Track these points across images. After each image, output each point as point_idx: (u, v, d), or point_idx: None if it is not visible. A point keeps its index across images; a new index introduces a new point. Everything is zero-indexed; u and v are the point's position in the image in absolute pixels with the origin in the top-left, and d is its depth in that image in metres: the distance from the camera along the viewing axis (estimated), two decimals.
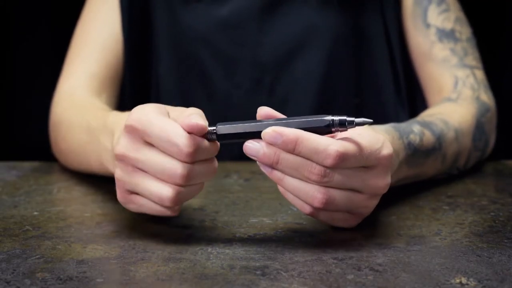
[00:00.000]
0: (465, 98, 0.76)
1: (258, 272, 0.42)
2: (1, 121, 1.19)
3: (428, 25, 0.82)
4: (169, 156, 0.47)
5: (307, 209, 0.47)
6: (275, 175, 0.47)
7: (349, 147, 0.45)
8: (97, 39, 0.83)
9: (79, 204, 0.61)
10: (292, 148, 0.45)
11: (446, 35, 0.81)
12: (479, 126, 0.73)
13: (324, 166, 0.45)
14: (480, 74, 0.80)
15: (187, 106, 0.51)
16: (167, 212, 0.48)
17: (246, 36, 0.84)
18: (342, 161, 0.45)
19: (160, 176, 0.47)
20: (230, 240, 0.49)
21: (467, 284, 0.40)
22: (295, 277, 0.41)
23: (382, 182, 0.48)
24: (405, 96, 0.86)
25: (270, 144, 0.46)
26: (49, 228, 0.52)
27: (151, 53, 0.87)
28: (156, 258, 0.45)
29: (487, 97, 0.77)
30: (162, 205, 0.48)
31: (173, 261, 0.44)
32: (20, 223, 0.54)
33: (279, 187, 0.48)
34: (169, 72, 0.87)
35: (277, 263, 0.44)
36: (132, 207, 0.50)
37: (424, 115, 0.70)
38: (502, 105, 0.84)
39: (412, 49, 0.84)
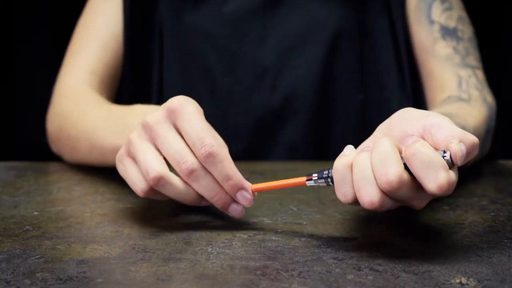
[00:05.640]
0: (476, 100, 0.74)
1: (258, 272, 0.42)
2: (1, 121, 1.19)
3: (432, 21, 0.81)
4: (188, 148, 0.49)
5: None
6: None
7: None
8: (98, 37, 0.84)
9: (79, 204, 0.61)
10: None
11: (449, 33, 0.80)
12: (487, 131, 0.72)
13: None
14: (481, 74, 0.79)
15: None
16: (137, 189, 0.50)
17: (249, 31, 0.85)
18: None
19: (167, 155, 0.49)
20: (230, 240, 0.49)
21: (467, 284, 0.40)
22: (295, 277, 0.41)
23: None
24: (410, 92, 0.85)
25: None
26: (49, 228, 0.52)
27: (151, 50, 0.88)
28: (156, 258, 0.45)
29: (490, 98, 0.77)
30: (143, 177, 0.49)
31: (173, 261, 0.44)
32: (20, 223, 0.54)
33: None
34: (172, 67, 0.87)
35: (277, 263, 0.44)
36: (120, 167, 0.52)
37: (444, 115, 0.67)
38: (502, 106, 0.84)
39: (414, 44, 0.84)
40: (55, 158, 0.81)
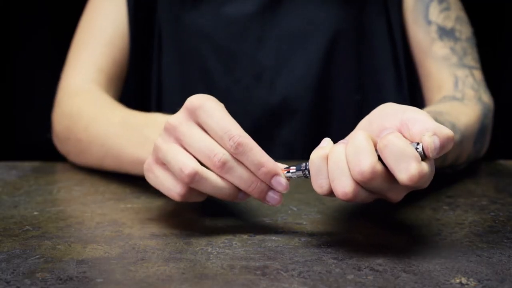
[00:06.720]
0: (470, 99, 0.75)
1: (258, 272, 0.42)
2: (1, 121, 1.19)
3: (429, 22, 0.82)
4: (216, 142, 0.48)
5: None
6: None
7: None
8: (103, 34, 0.83)
9: (79, 204, 0.61)
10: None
11: (446, 33, 0.81)
12: (481, 129, 0.72)
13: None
14: (478, 74, 0.80)
15: None
16: (173, 193, 0.49)
17: (247, 31, 0.85)
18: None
19: (196, 152, 0.48)
20: (230, 240, 0.49)
21: (467, 284, 0.40)
22: (295, 277, 0.41)
23: None
24: (407, 92, 0.85)
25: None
26: (49, 228, 0.52)
27: (152, 49, 0.88)
28: (156, 258, 0.45)
29: (487, 97, 0.77)
30: (176, 180, 0.49)
31: (173, 261, 0.44)
32: (20, 223, 0.54)
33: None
34: (171, 67, 0.87)
35: (277, 263, 0.44)
36: (150, 176, 0.52)
37: (434, 113, 0.66)
38: (501, 106, 0.84)
39: (412, 45, 0.84)
40: (55, 158, 0.81)
